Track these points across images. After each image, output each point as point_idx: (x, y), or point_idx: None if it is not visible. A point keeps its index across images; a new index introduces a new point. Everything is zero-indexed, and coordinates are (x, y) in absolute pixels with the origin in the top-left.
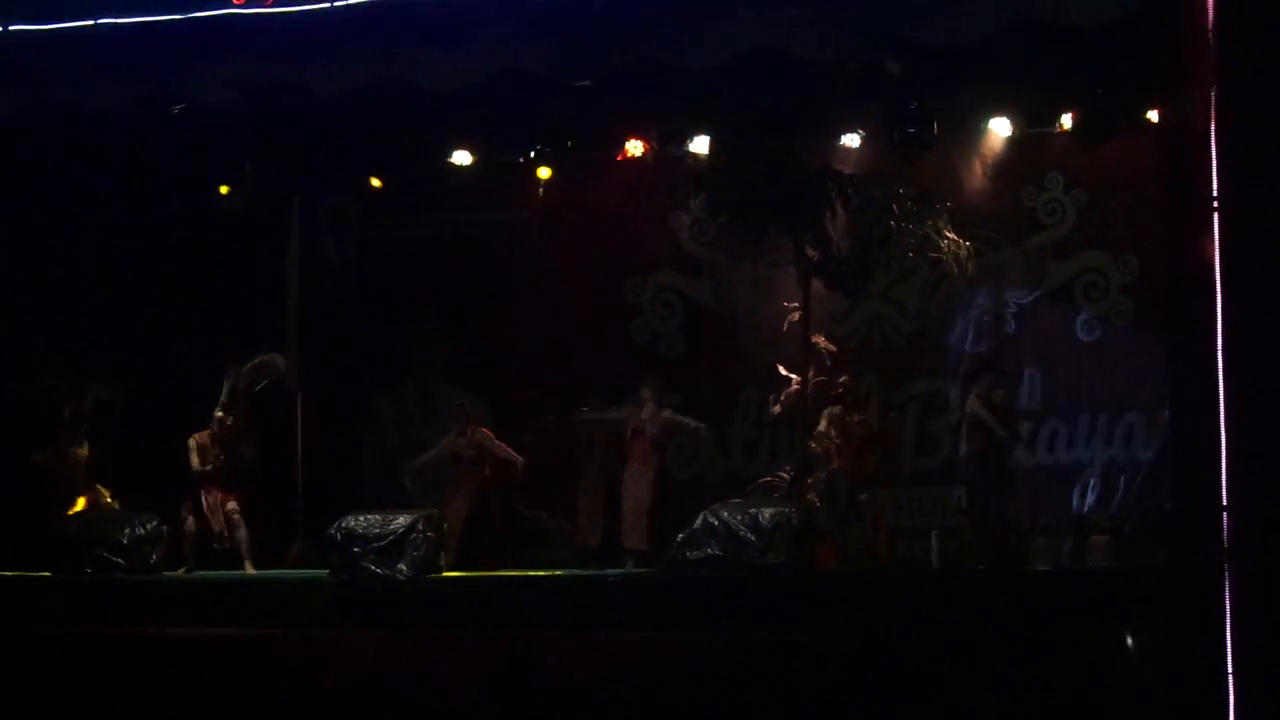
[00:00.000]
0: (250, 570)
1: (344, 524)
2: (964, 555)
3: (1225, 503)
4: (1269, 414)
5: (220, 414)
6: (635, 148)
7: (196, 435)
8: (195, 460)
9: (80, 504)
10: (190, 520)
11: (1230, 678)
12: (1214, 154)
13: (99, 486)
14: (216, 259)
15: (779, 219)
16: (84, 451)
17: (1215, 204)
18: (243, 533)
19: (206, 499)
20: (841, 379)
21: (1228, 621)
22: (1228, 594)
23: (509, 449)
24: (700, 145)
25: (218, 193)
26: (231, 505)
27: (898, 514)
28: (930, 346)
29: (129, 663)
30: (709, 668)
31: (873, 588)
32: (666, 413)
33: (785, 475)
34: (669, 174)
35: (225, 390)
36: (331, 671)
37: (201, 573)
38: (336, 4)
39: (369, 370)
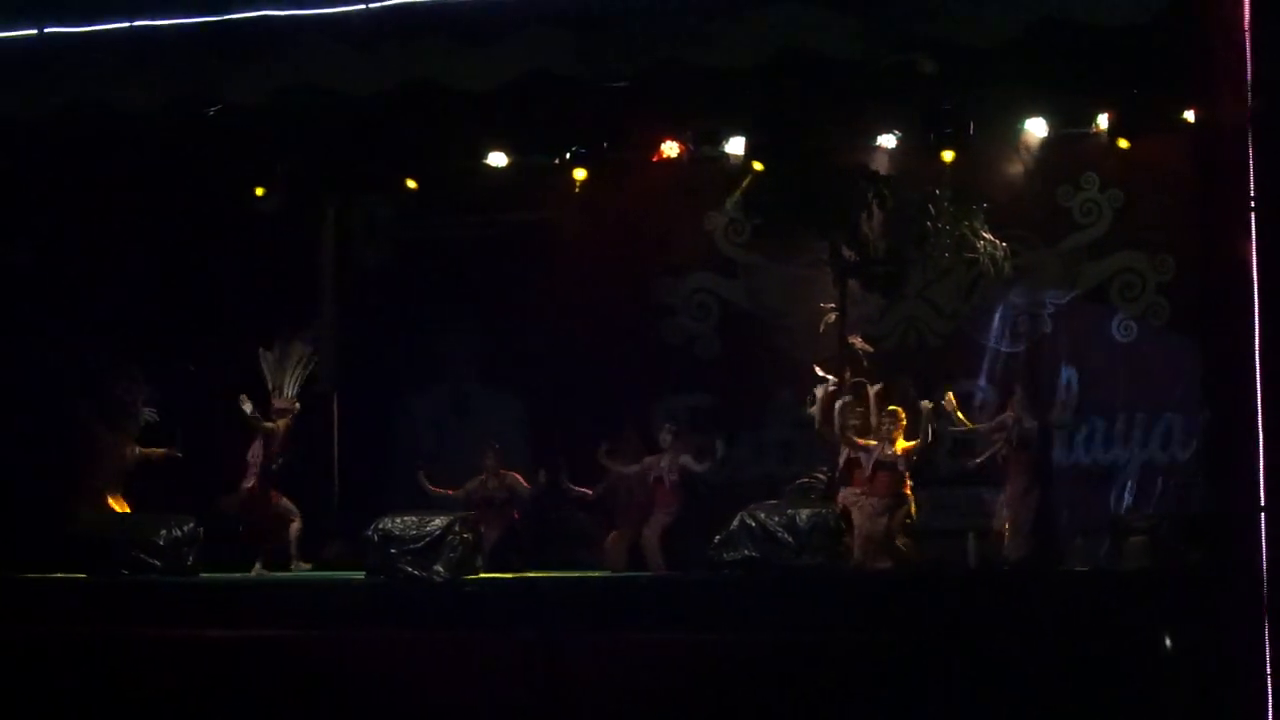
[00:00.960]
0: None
1: (381, 525)
2: (998, 556)
3: (1263, 503)
4: None
5: (298, 405)
6: (670, 149)
7: (266, 423)
8: (262, 453)
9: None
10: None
11: (1269, 679)
12: (1250, 153)
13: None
14: (250, 260)
15: (814, 219)
16: (132, 452)
17: (1252, 203)
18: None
19: (259, 495)
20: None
21: (1265, 622)
22: (1265, 595)
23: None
24: (735, 146)
25: (252, 194)
26: (286, 502)
27: (934, 515)
28: (966, 347)
29: (164, 665)
30: (744, 669)
31: (910, 589)
32: (685, 458)
33: (822, 476)
34: (704, 175)
35: (300, 375)
36: (367, 673)
37: (239, 574)
38: (371, 5)
39: (403, 371)
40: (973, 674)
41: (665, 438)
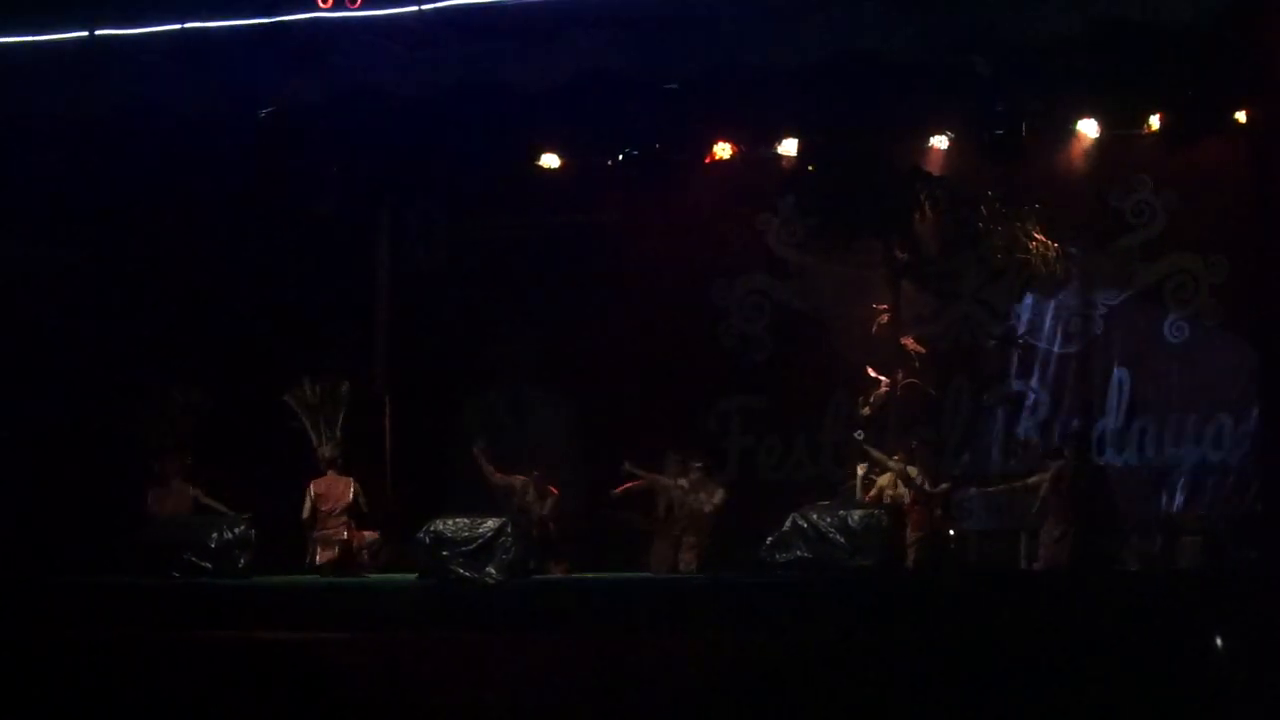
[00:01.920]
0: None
1: (433, 528)
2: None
3: None
4: None
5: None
6: (723, 150)
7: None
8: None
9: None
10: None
11: None
12: None
13: (194, 488)
14: (304, 262)
15: (868, 220)
16: (185, 458)
17: None
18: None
19: (350, 544)
20: (895, 457)
21: None
22: None
23: (553, 507)
24: (788, 147)
25: (305, 196)
26: (368, 534)
27: (986, 516)
28: (1019, 348)
29: (216, 666)
30: (798, 669)
31: (961, 589)
32: (719, 495)
33: (875, 478)
34: (757, 176)
35: (341, 413)
36: (420, 675)
37: (291, 577)
38: (424, 7)
39: (457, 373)
40: (1024, 672)
41: (695, 472)
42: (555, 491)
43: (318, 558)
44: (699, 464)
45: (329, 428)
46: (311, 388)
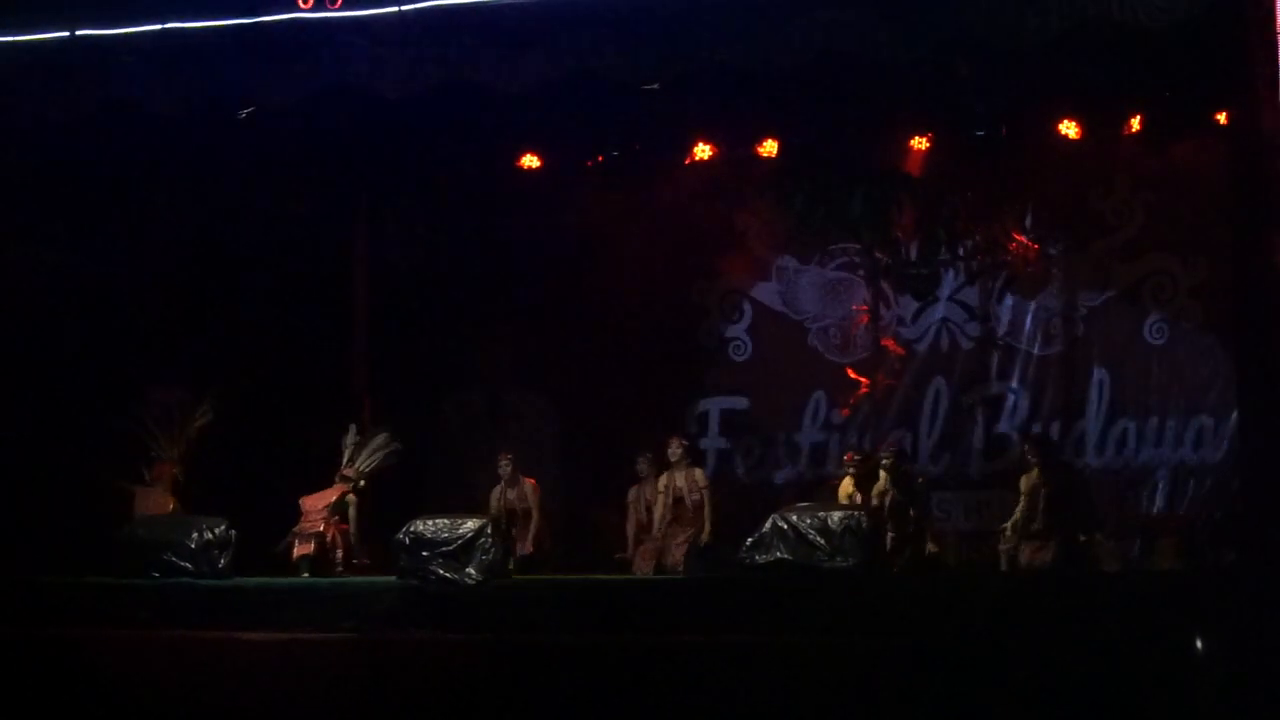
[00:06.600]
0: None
1: (412, 528)
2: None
3: None
4: None
5: (363, 482)
6: (703, 150)
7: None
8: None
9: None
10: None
11: None
12: None
13: (171, 496)
14: (283, 263)
15: (847, 222)
16: (174, 467)
17: None
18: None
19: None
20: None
21: None
22: None
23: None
24: (769, 148)
25: (284, 197)
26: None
27: (966, 517)
28: (998, 349)
29: (196, 667)
30: (779, 672)
31: (941, 591)
32: (699, 473)
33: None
34: (737, 177)
35: (378, 459)
36: (400, 676)
37: (271, 578)
38: (404, 7)
39: (436, 374)
40: (1003, 674)
41: (675, 450)
42: (532, 481)
43: (295, 551)
44: (684, 440)
45: (356, 457)
46: (354, 436)
